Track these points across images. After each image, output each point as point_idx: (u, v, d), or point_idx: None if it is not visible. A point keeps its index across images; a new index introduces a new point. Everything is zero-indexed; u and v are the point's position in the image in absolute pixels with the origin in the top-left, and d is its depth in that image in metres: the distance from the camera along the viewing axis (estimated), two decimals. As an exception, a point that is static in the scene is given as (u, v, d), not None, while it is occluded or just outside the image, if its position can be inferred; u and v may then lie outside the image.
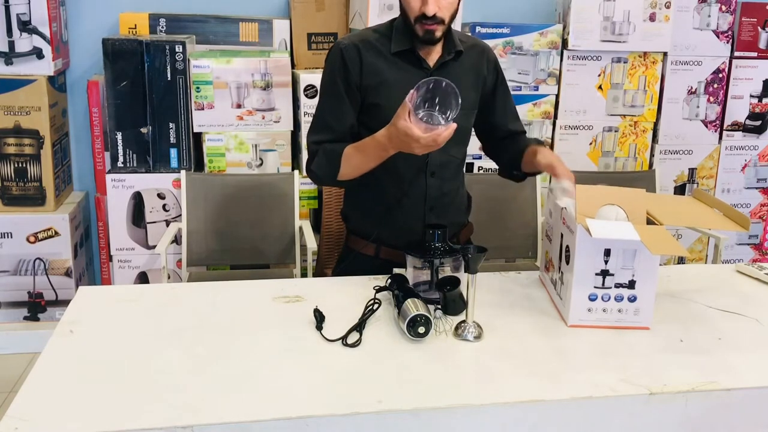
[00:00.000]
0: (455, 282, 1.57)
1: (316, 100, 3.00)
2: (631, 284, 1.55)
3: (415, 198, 1.88)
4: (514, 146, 1.99)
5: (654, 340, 1.52)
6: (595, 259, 1.54)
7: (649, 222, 1.61)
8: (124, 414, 1.20)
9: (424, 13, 1.72)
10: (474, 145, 2.08)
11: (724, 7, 3.26)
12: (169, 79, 2.93)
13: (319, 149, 1.85)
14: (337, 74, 1.84)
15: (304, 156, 3.05)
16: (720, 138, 3.43)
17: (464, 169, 2.01)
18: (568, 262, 1.59)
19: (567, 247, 1.60)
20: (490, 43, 2.81)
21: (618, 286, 1.55)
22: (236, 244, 2.85)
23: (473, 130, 2.04)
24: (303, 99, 2.99)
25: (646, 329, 1.56)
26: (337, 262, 2.11)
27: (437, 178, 1.89)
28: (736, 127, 3.43)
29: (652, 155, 3.38)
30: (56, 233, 3.08)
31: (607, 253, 1.53)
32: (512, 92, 3.26)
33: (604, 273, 1.54)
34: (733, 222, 1.72)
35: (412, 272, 1.69)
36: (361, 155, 1.78)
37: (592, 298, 1.56)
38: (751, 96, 3.40)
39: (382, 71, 1.83)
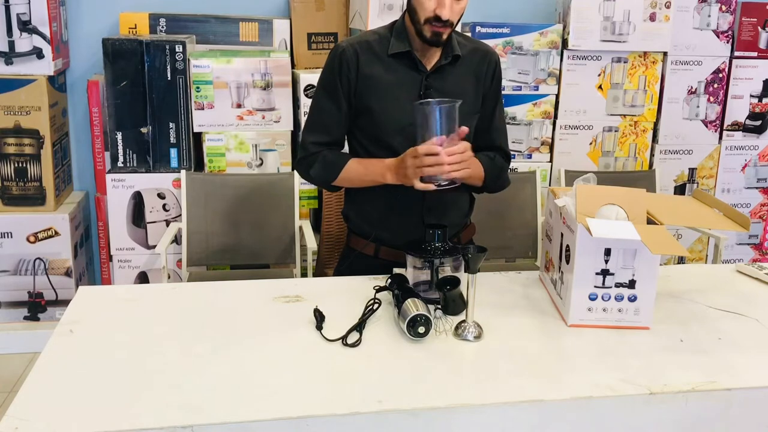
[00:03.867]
0: (455, 282, 1.57)
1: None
2: (632, 284, 1.55)
3: (412, 199, 1.88)
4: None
5: (654, 340, 1.52)
6: (595, 259, 1.54)
7: (650, 222, 1.61)
8: (124, 414, 1.20)
9: (438, 16, 1.72)
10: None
11: (724, 7, 3.26)
12: (169, 79, 2.93)
13: (318, 156, 1.88)
14: (335, 76, 1.85)
15: (304, 156, 3.05)
16: (720, 138, 3.43)
17: None
18: (568, 262, 1.59)
19: (567, 246, 1.60)
20: (490, 43, 2.81)
21: (618, 285, 1.55)
22: (236, 244, 2.85)
23: None
24: (303, 99, 2.99)
25: (646, 329, 1.56)
26: (339, 261, 2.12)
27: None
28: (736, 126, 3.43)
29: (652, 155, 3.38)
30: (56, 233, 3.08)
31: (608, 252, 1.53)
32: (512, 92, 3.28)
33: (605, 272, 1.54)
34: (733, 222, 1.72)
35: (412, 272, 1.69)
36: (359, 174, 1.86)
37: (592, 298, 1.56)
38: (751, 96, 3.40)
39: (378, 74, 1.83)
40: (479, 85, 1.92)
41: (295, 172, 2.89)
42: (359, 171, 1.86)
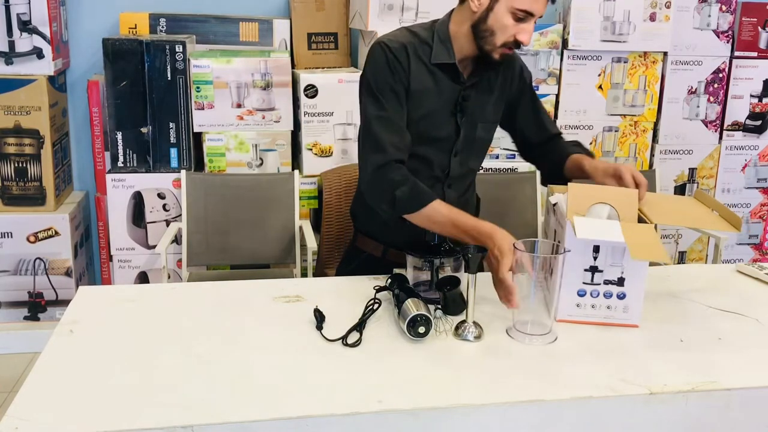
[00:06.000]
0: (455, 282, 1.57)
1: (317, 100, 3.01)
2: (620, 281, 1.55)
3: None
4: (552, 153, 1.93)
5: (654, 339, 1.52)
6: (584, 256, 1.54)
7: (642, 221, 1.61)
8: (124, 414, 1.20)
9: (518, 41, 1.67)
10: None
11: (724, 7, 3.26)
12: (169, 78, 2.93)
13: (409, 179, 1.67)
14: (394, 74, 1.71)
15: (305, 156, 3.05)
16: (720, 138, 3.43)
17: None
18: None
19: (559, 242, 1.60)
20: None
21: (607, 282, 1.55)
22: (236, 244, 2.85)
23: (510, 137, 2.03)
24: (303, 99, 2.99)
25: (635, 327, 1.56)
26: (344, 261, 2.09)
27: (454, 189, 1.87)
28: (736, 126, 3.43)
29: (652, 155, 3.38)
30: (56, 233, 3.08)
31: (596, 249, 1.53)
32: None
33: (593, 269, 1.54)
34: (725, 222, 1.71)
35: (412, 272, 1.69)
36: (448, 218, 1.65)
37: (581, 294, 1.56)
38: (751, 96, 3.40)
39: (422, 79, 1.75)
40: (503, 94, 1.88)
41: (296, 172, 2.89)
42: (450, 215, 1.65)
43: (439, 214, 1.66)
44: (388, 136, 1.70)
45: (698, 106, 3.35)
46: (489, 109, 1.87)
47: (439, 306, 1.59)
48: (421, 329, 1.46)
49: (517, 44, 1.69)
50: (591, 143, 3.30)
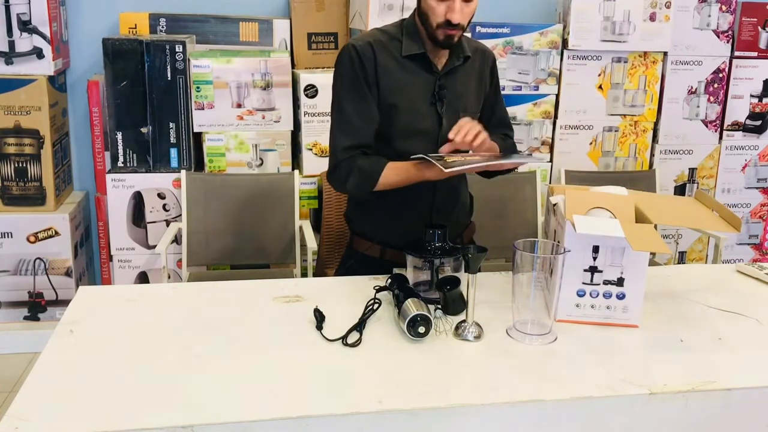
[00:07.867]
0: (455, 282, 1.57)
1: (317, 100, 3.01)
2: (620, 282, 1.55)
3: (422, 201, 1.86)
4: None
5: (654, 339, 1.52)
6: (583, 255, 1.54)
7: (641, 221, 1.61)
8: (124, 414, 1.20)
9: (449, 21, 1.72)
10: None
11: (724, 7, 3.26)
12: (169, 78, 2.93)
13: (353, 166, 1.78)
14: (357, 73, 1.78)
15: (305, 156, 3.05)
16: (720, 138, 3.43)
17: None
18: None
19: (558, 242, 1.60)
20: (489, 43, 2.82)
21: (606, 283, 1.55)
22: (236, 244, 2.85)
23: None
24: (303, 99, 2.99)
25: (635, 327, 1.56)
26: (341, 262, 2.10)
27: (445, 182, 1.88)
28: (737, 126, 3.43)
29: (652, 155, 3.38)
30: (56, 233, 3.08)
31: (596, 249, 1.53)
32: (512, 92, 3.27)
33: (593, 269, 1.55)
34: (725, 222, 1.71)
35: (412, 272, 1.69)
36: (399, 177, 1.78)
37: (580, 294, 1.56)
38: (752, 96, 3.40)
39: (394, 73, 1.80)
40: (481, 85, 1.92)
41: (296, 172, 2.90)
42: (397, 179, 1.79)
43: (392, 179, 1.78)
44: (341, 138, 1.81)
45: (698, 106, 3.35)
46: (470, 99, 1.90)
47: (439, 306, 1.59)
48: (421, 329, 1.46)
49: (450, 23, 1.73)
50: (591, 143, 3.30)
